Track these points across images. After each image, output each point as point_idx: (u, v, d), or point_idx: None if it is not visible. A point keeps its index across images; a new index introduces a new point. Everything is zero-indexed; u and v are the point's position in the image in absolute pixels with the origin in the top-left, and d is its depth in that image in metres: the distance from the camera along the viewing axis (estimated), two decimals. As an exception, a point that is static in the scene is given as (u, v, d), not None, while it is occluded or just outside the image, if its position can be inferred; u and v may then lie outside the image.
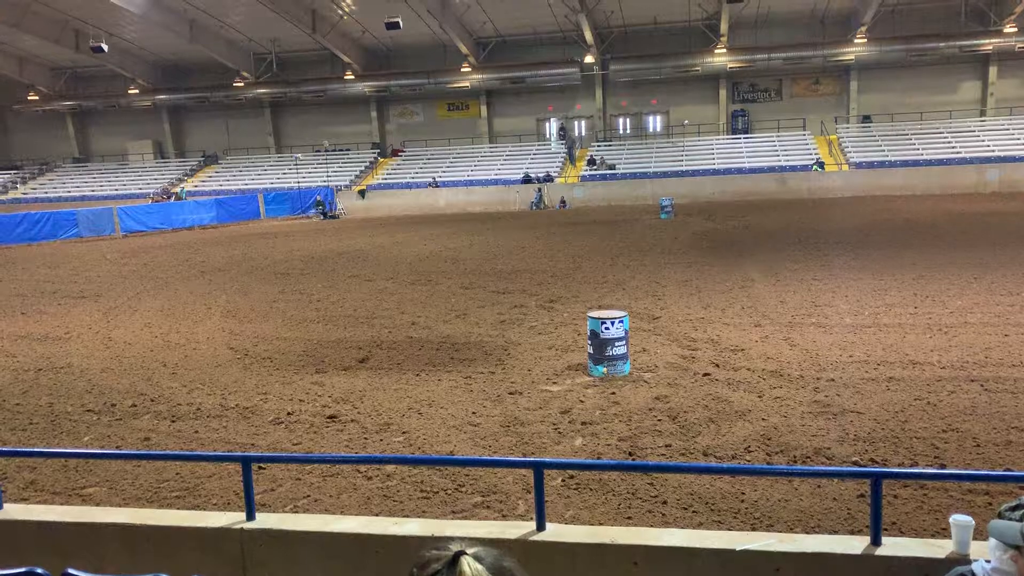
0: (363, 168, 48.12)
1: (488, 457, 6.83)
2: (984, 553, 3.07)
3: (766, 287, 14.45)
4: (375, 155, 49.66)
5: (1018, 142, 39.35)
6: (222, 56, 45.69)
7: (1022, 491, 5.25)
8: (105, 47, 41.37)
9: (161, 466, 6.87)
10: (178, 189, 46.46)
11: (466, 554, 1.68)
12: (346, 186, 44.78)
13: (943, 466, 6.24)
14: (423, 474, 6.44)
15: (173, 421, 8.31)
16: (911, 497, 5.67)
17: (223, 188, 46.83)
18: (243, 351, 11.37)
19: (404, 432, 7.61)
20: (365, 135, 50.93)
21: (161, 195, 45.88)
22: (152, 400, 9.08)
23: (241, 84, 48.09)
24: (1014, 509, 2.72)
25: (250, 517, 4.15)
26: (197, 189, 47.57)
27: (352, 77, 46.61)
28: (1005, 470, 6.07)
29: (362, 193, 43.03)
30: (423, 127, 50.51)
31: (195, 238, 31.49)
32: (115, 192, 47.38)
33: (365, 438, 7.51)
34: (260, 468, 6.62)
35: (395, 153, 49.94)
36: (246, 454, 4.85)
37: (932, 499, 5.63)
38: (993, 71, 42.28)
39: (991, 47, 40.29)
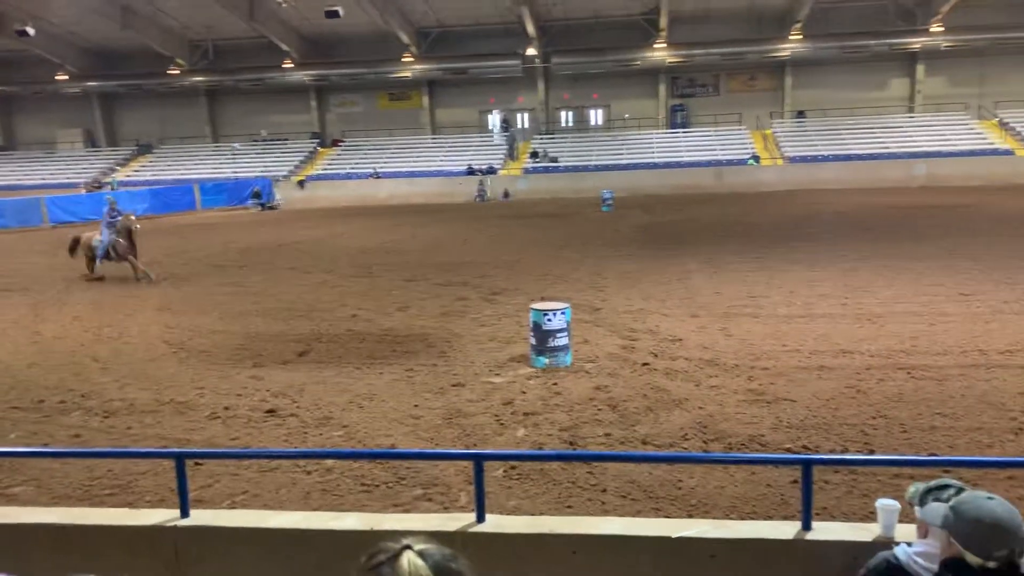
0: (302, 158, 47.36)
1: (428, 450, 6.81)
2: (909, 536, 3.18)
3: (703, 279, 14.70)
4: (315, 145, 48.90)
5: (944, 138, 40.70)
6: (156, 43, 44.40)
7: (946, 474, 5.44)
8: (31, 31, 39.80)
9: (92, 463, 6.67)
10: (109, 179, 45.09)
11: (412, 549, 1.67)
12: (285, 177, 44.02)
13: (872, 452, 6.44)
14: (364, 468, 6.39)
15: (105, 417, 8.08)
16: (842, 482, 5.84)
17: (157, 178, 45.55)
18: (178, 345, 11.12)
19: (344, 426, 7.53)
20: (304, 125, 50.11)
21: (92, 185, 44.44)
22: (82, 396, 8.82)
23: (176, 72, 46.80)
24: (941, 489, 2.82)
25: (184, 514, 4.06)
26: (130, 179, 46.20)
27: (291, 66, 45.77)
28: (930, 454, 6.29)
29: (301, 184, 42.38)
30: (364, 117, 49.90)
31: (128, 229, 30.56)
32: (43, 182, 45.65)
33: (305, 432, 7.41)
34: (196, 464, 6.49)
35: (335, 143, 49.27)
36: (179, 450, 4.75)
37: (861, 484, 5.80)
38: (921, 69, 43.64)
39: (919, 46, 41.54)
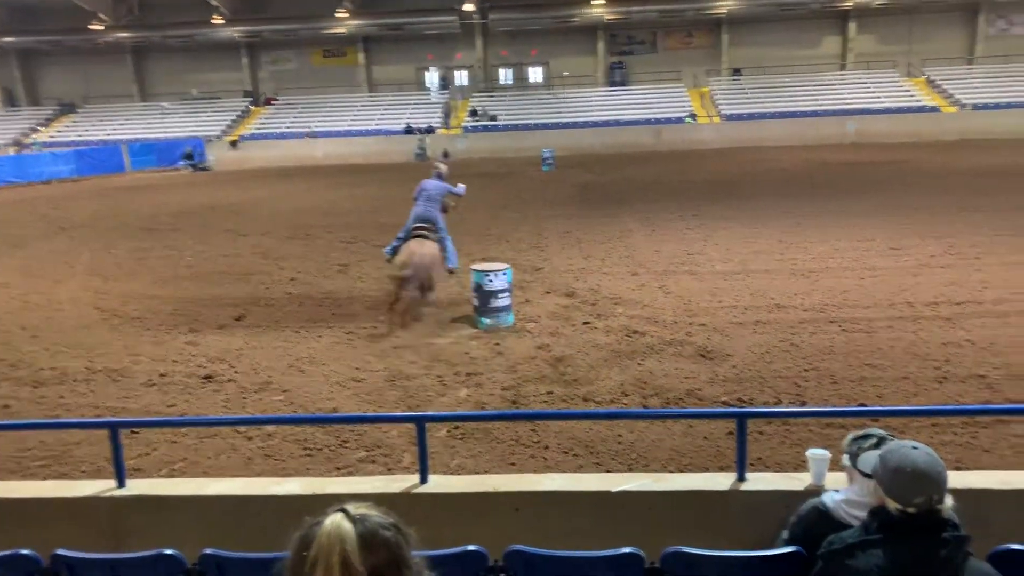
0: (235, 117, 46.08)
1: (369, 413, 6.79)
2: (839, 484, 3.29)
3: (643, 237, 14.85)
4: (247, 104, 47.59)
5: (874, 95, 41.54)
6: (76, -4, 42.44)
7: (874, 423, 5.65)
8: (-61, -17, 37.66)
9: (23, 435, 6.49)
10: (31, 140, 43.23)
11: (346, 513, 1.64)
12: (217, 136, 42.84)
13: (804, 403, 6.64)
14: (306, 431, 6.35)
15: (35, 387, 7.85)
16: (775, 433, 6.02)
17: (83, 139, 43.86)
18: (110, 311, 10.82)
19: (285, 390, 7.46)
20: (236, 83, 48.66)
21: (13, 146, 42.58)
22: (11, 365, 8.54)
23: (99, 27, 44.83)
24: (864, 438, 2.93)
25: (120, 484, 3.99)
26: (53, 140, 44.41)
27: (221, 22, 44.28)
28: (859, 405, 6.52)
29: (234, 144, 41.30)
30: (298, 75, 48.66)
31: (54, 192, 29.50)
32: (-41, 143, 43.65)
33: (244, 398, 7.32)
34: (133, 433, 6.36)
35: (268, 102, 48.01)
36: (113, 420, 4.65)
37: (794, 434, 5.99)
38: (852, 27, 44.33)
39: (851, 3, 42.18)
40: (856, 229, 14.50)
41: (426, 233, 9.79)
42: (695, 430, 6.14)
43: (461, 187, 10.93)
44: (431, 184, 10.46)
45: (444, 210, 10.45)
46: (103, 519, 3.92)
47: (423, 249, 9.49)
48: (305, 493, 3.86)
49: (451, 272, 10.28)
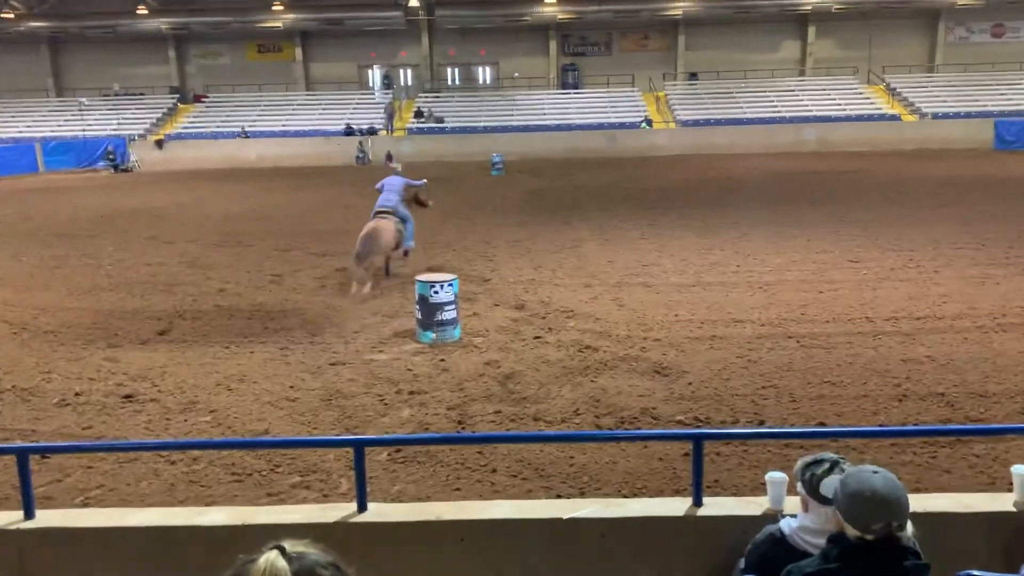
0: (161, 115, 45.26)
1: (303, 437, 6.68)
2: (797, 507, 3.34)
3: (595, 247, 14.96)
4: (174, 101, 46.80)
5: (833, 102, 42.60)
6: (-15, -19, 41.34)
7: (833, 443, 5.75)
8: None
9: (-81, 461, 6.25)
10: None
11: (282, 550, 1.63)
12: (141, 135, 42.02)
13: (762, 422, 6.74)
14: (235, 455, 6.23)
15: (-67, 408, 7.57)
16: (732, 453, 6.09)
17: (-9, 136, 42.71)
18: (20, 324, 10.50)
19: (212, 411, 7.31)
20: (163, 78, 47.82)
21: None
22: (-94, 385, 8.23)
23: (11, 15, 43.65)
24: (816, 464, 2.95)
25: (28, 516, 3.85)
26: (-42, 136, 43.09)
27: (146, 12, 43.50)
28: (818, 424, 6.63)
29: (160, 143, 40.55)
30: (230, 70, 48.03)
31: (-43, 194, 28.60)
32: None
33: (167, 419, 7.16)
34: (44, 457, 6.17)
35: (198, 99, 47.29)
36: (21, 445, 4.50)
37: (752, 455, 6.07)
38: (812, 31, 45.46)
39: (810, 7, 43.27)
40: (813, 241, 14.81)
41: (386, 215, 12.16)
42: (650, 451, 6.18)
43: (421, 181, 13.78)
44: (392, 178, 13.11)
45: (420, 203, 13.56)
46: (9, 554, 3.78)
47: (380, 224, 11.75)
48: (232, 523, 3.78)
49: (406, 253, 12.75)
